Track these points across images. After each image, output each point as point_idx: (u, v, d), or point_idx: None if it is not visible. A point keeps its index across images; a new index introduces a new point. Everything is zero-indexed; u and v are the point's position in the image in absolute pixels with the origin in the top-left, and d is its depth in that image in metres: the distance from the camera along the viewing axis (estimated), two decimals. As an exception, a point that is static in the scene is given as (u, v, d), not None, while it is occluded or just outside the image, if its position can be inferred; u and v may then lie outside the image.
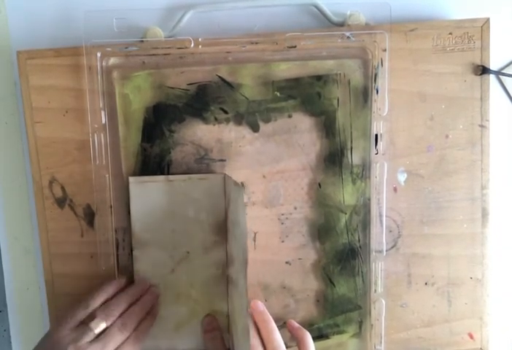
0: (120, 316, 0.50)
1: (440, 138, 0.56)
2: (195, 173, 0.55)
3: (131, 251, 0.55)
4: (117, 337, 0.48)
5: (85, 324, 0.48)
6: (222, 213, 0.55)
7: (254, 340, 0.48)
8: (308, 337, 0.50)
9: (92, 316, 0.48)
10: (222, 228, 0.55)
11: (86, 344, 0.46)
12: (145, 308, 0.52)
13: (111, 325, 0.49)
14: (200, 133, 0.55)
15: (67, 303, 0.56)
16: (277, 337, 0.49)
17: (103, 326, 0.48)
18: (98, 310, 0.49)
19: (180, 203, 0.55)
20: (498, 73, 0.57)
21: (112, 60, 0.54)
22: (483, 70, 0.54)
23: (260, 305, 0.51)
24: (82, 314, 0.49)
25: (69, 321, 0.48)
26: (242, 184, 0.55)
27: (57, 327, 0.48)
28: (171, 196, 0.54)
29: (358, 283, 0.57)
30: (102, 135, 0.54)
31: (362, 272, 0.56)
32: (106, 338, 0.47)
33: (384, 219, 0.56)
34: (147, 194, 0.54)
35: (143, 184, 0.54)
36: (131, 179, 0.54)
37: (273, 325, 0.50)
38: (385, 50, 0.53)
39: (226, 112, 0.55)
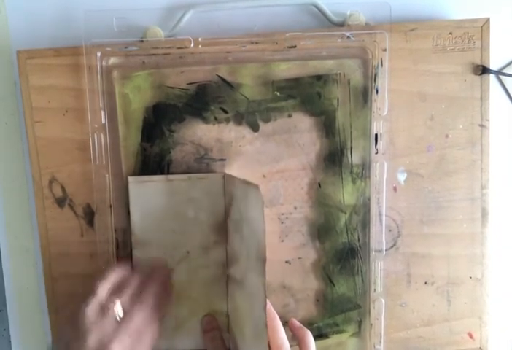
0: (136, 295, 0.49)
1: (440, 138, 0.56)
2: (194, 173, 0.55)
3: (131, 251, 0.55)
4: (139, 315, 0.47)
5: (102, 308, 0.47)
6: (222, 213, 0.55)
7: None
8: (310, 336, 0.50)
9: (107, 300, 0.47)
10: (222, 228, 0.55)
11: (109, 327, 0.46)
12: (159, 283, 0.51)
13: (131, 304, 0.48)
14: (200, 132, 0.55)
15: (67, 302, 0.56)
16: (282, 336, 0.48)
17: (120, 307, 0.47)
18: (112, 292, 0.48)
19: (180, 202, 0.55)
20: (498, 73, 0.57)
21: (112, 60, 0.54)
22: (483, 70, 0.54)
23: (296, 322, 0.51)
24: (95, 299, 0.47)
25: (84, 309, 0.47)
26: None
27: (73, 319, 0.47)
28: (170, 196, 0.54)
29: (358, 282, 0.57)
30: (102, 135, 0.54)
31: (361, 271, 0.57)
32: (127, 318, 0.47)
33: (384, 218, 0.56)
34: (147, 194, 0.54)
35: (142, 184, 0.54)
36: (130, 179, 0.54)
37: (279, 323, 0.49)
38: (385, 50, 0.53)
39: (226, 112, 0.55)
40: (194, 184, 0.54)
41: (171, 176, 0.54)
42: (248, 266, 0.49)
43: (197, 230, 0.55)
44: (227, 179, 0.54)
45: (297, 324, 0.52)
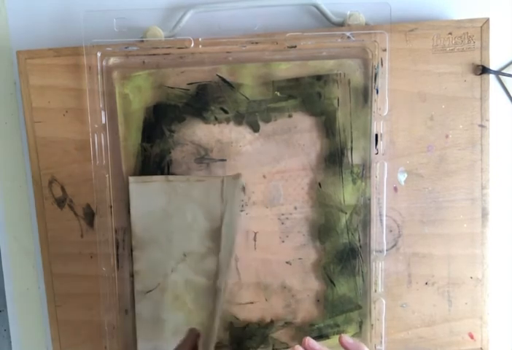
0: None
1: (440, 138, 0.56)
2: (195, 173, 0.55)
3: (131, 251, 0.55)
4: None
5: None
6: (218, 218, 0.54)
7: None
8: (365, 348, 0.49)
9: None
10: (217, 235, 0.55)
11: None
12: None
13: None
14: (200, 132, 0.55)
15: (67, 303, 0.56)
16: None
17: None
18: None
19: (179, 204, 0.54)
20: (498, 73, 0.57)
21: (112, 60, 0.54)
22: (483, 70, 0.55)
23: (315, 344, 0.49)
24: None
25: None
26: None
27: None
28: (170, 197, 0.54)
29: (358, 283, 0.57)
30: (102, 135, 0.54)
31: (362, 272, 0.56)
32: None
33: (384, 218, 0.56)
34: (147, 194, 0.54)
35: (143, 184, 0.54)
36: (131, 179, 0.54)
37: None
38: (385, 50, 0.53)
39: (226, 112, 0.54)
40: (193, 186, 0.54)
41: (170, 177, 0.54)
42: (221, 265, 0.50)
43: (194, 234, 0.55)
44: (226, 182, 0.54)
45: (350, 339, 0.50)
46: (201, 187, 0.54)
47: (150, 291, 0.55)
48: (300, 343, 0.51)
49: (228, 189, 0.54)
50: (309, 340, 0.49)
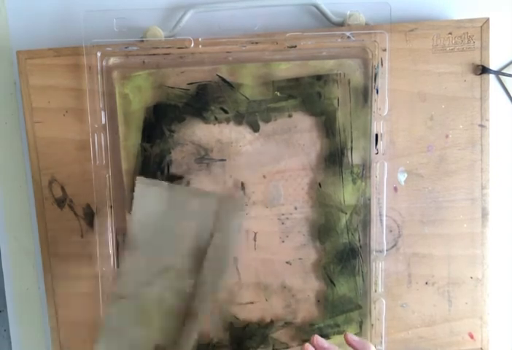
0: None
1: (440, 138, 0.56)
2: (195, 174, 0.55)
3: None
4: None
5: None
6: (206, 238, 0.53)
7: None
8: (372, 347, 0.49)
9: None
10: (200, 256, 0.54)
11: None
12: None
13: None
14: (200, 132, 0.55)
15: (67, 303, 0.56)
16: None
17: None
18: None
19: (175, 214, 0.53)
20: (498, 73, 0.57)
21: (112, 60, 0.54)
22: (483, 70, 0.55)
23: (324, 342, 0.49)
24: None
25: None
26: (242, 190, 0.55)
27: None
28: (169, 205, 0.53)
29: (358, 283, 0.57)
30: (102, 135, 0.54)
31: (362, 272, 0.56)
32: None
33: (384, 218, 0.56)
34: (150, 197, 0.53)
35: (148, 186, 0.53)
36: (138, 179, 0.53)
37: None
38: (385, 50, 0.53)
39: (226, 112, 0.54)
40: (190, 198, 0.53)
41: (175, 186, 0.53)
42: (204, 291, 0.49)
43: (180, 249, 0.53)
44: (223, 202, 0.52)
45: (355, 337, 0.50)
46: (197, 202, 0.53)
47: (124, 297, 0.52)
48: (301, 343, 0.51)
49: (226, 212, 0.53)
50: (317, 338, 0.49)
